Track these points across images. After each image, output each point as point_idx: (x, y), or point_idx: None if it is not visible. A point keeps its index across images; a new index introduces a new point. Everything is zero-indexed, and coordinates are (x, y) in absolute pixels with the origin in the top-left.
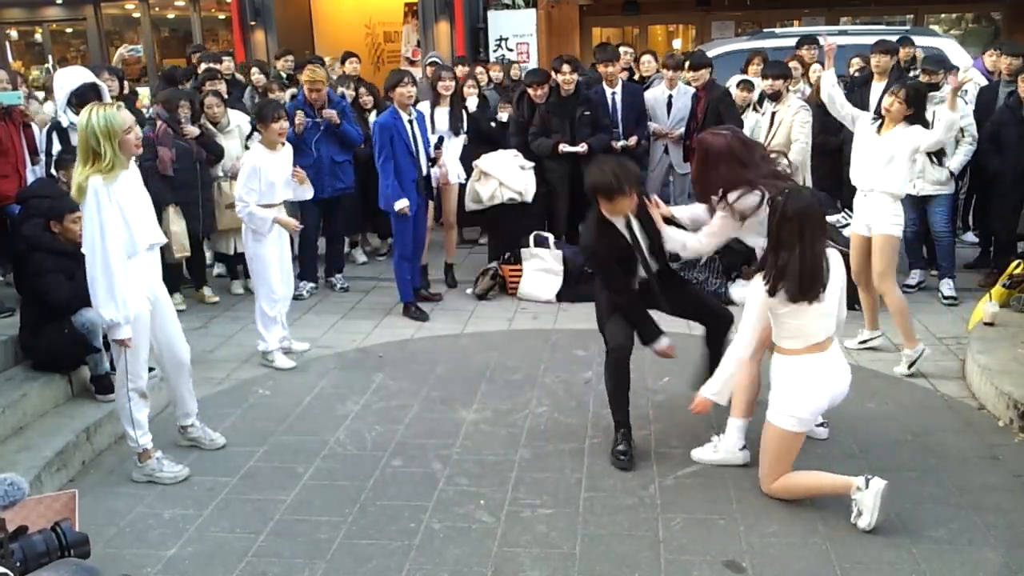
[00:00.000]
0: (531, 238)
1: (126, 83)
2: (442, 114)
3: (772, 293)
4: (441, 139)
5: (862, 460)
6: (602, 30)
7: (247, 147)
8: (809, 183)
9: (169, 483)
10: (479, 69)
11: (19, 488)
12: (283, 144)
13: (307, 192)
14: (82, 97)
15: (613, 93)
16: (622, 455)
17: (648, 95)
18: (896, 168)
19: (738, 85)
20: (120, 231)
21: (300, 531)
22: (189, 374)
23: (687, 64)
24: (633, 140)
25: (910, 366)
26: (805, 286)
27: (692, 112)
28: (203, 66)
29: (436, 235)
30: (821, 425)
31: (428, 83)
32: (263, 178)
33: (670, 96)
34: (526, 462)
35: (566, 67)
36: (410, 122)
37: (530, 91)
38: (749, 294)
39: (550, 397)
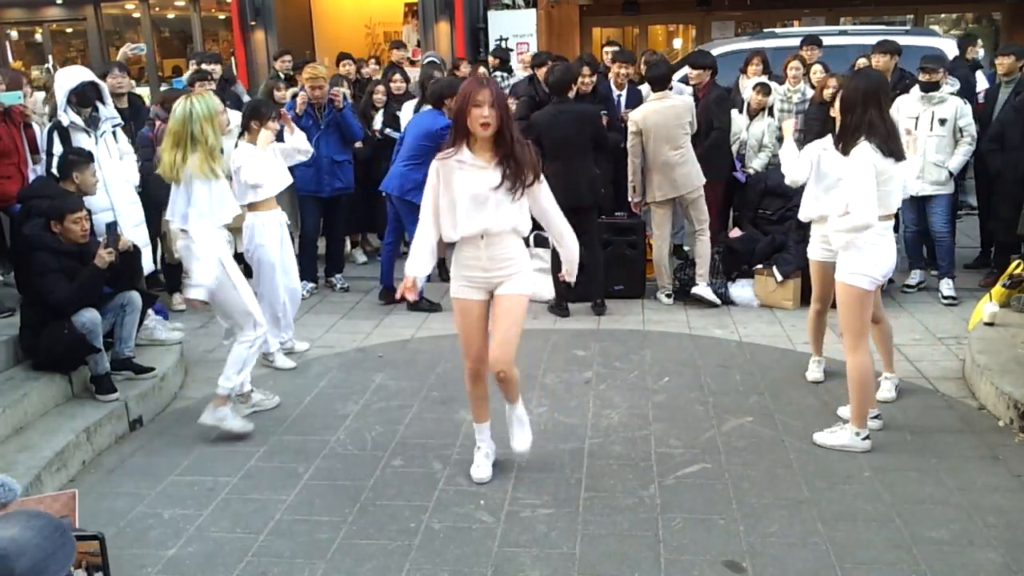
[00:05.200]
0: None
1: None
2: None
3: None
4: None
5: (862, 459)
6: (602, 30)
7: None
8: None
9: (238, 431)
10: (480, 70)
11: (10, 489)
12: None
13: (301, 143)
14: (82, 96)
15: (619, 95)
16: None
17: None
18: None
19: (754, 88)
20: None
21: (300, 531)
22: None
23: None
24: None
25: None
26: (891, 143)
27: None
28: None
29: None
30: (876, 418)
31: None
32: (249, 177)
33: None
34: (526, 462)
35: (586, 69)
36: None
37: (539, 73)
38: (856, 169)
39: (550, 397)
